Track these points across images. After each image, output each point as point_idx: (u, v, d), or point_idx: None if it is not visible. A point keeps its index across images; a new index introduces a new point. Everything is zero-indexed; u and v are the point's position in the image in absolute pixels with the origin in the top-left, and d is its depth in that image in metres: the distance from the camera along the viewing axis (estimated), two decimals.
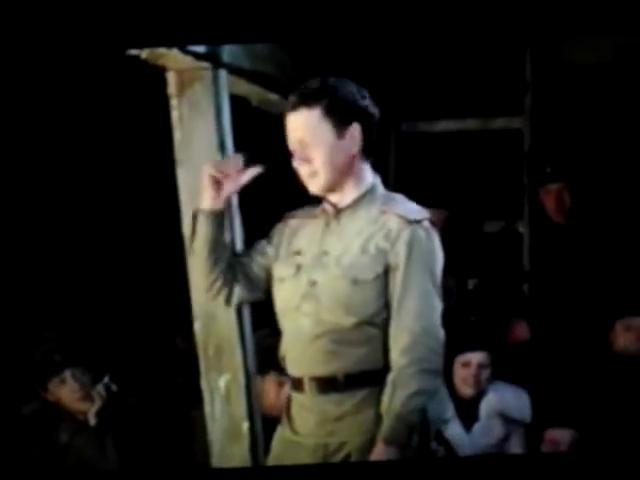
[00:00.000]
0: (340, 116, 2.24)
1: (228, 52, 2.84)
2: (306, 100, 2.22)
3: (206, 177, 2.32)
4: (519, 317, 3.90)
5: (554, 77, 4.45)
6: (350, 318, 2.23)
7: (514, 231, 4.32)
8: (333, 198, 2.31)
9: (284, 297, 2.34)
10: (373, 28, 3.46)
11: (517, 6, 2.50)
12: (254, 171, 2.33)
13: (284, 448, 2.36)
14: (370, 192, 2.32)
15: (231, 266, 2.37)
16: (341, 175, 2.27)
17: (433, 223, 2.29)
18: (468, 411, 3.53)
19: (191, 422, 3.05)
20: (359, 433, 2.25)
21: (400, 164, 4.50)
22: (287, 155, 2.31)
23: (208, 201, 2.32)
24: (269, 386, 3.12)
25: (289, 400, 2.38)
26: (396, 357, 2.21)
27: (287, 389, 2.76)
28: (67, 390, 3.20)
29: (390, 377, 2.20)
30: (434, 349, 2.22)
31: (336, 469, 2.25)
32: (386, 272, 2.24)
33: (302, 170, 2.26)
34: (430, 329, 2.22)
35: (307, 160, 2.24)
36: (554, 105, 4.45)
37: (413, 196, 2.35)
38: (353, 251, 2.26)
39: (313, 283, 2.27)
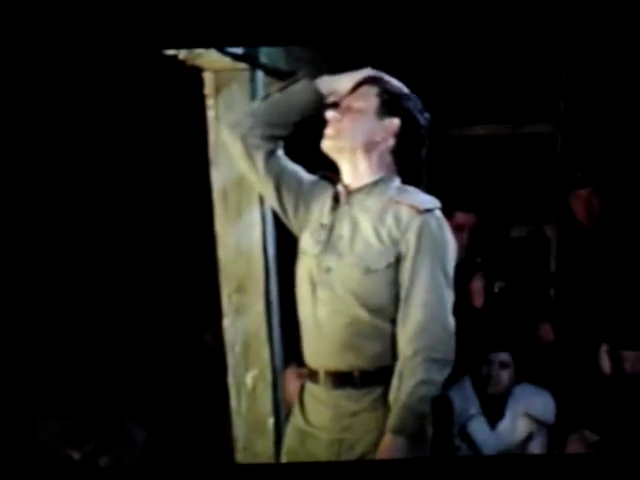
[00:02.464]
0: (392, 103, 2.23)
1: (265, 53, 2.72)
2: (374, 76, 2.26)
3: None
4: (544, 320, 3.74)
5: (587, 86, 4.28)
6: (362, 308, 2.12)
7: (542, 235, 4.17)
8: (347, 179, 2.24)
9: (304, 274, 2.24)
10: (411, 34, 3.32)
11: (553, 14, 2.34)
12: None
13: (299, 439, 2.26)
14: (383, 181, 2.23)
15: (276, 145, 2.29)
16: (357, 151, 2.21)
17: (445, 214, 2.21)
18: (494, 409, 3.41)
19: (217, 418, 2.92)
20: (376, 430, 2.13)
21: (433, 168, 4.34)
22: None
23: (335, 85, 2.27)
24: (289, 378, 3.00)
25: (302, 388, 2.29)
26: (403, 346, 2.09)
27: None
28: None
29: (397, 367, 2.09)
30: (441, 338, 2.09)
31: (357, 466, 2.13)
32: (397, 261, 2.13)
33: (329, 127, 2.21)
34: (437, 318, 2.09)
35: (340, 119, 2.20)
36: (587, 112, 4.28)
37: (444, 199, 2.23)
38: (364, 237, 2.16)
39: (328, 270, 2.17)
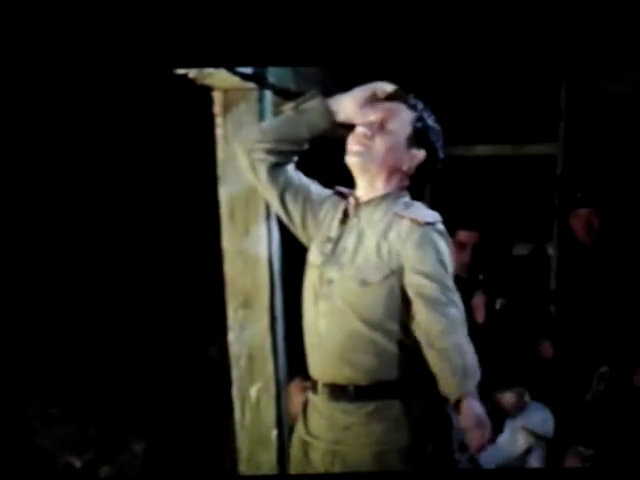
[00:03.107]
0: (422, 135, 2.20)
1: (274, 73, 2.73)
2: (401, 99, 2.22)
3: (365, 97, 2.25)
4: (545, 336, 3.73)
5: (588, 106, 4.29)
6: (359, 321, 2.11)
7: (543, 253, 4.17)
8: (360, 192, 2.24)
9: (308, 286, 2.24)
10: (415, 54, 3.33)
11: (554, 36, 2.35)
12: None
13: (300, 447, 2.27)
14: (392, 196, 2.22)
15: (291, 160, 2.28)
16: (381, 172, 2.19)
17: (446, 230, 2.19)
18: (493, 423, 3.36)
19: (220, 430, 2.92)
20: (367, 445, 2.13)
21: (436, 186, 4.36)
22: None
23: (343, 108, 2.24)
24: (293, 392, 2.99)
25: (306, 399, 2.29)
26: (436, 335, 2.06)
27: None
28: None
29: (426, 353, 2.07)
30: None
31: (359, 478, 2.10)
32: (394, 274, 2.11)
33: (358, 143, 2.18)
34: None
35: (371, 138, 2.17)
36: (587, 133, 4.29)
37: (447, 217, 2.23)
38: (366, 250, 2.16)
39: (330, 281, 2.17)
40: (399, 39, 2.28)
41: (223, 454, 2.83)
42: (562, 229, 3.99)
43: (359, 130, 2.18)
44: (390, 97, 2.23)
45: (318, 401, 2.20)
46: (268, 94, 2.69)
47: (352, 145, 2.19)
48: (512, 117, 4.35)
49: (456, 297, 2.09)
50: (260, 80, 2.66)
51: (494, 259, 3.88)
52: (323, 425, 2.19)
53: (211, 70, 2.44)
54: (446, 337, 2.03)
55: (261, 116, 2.66)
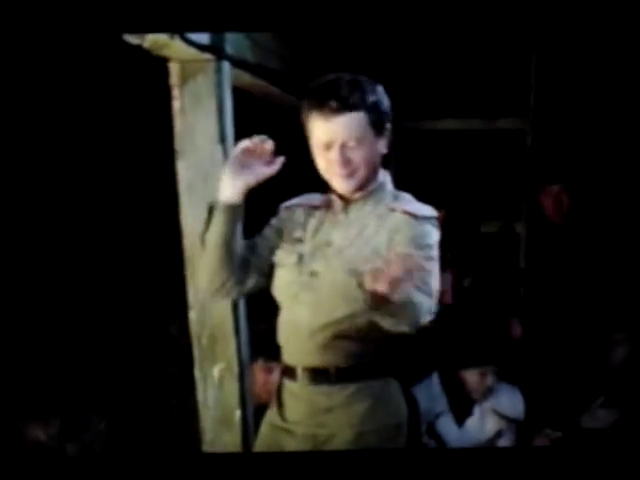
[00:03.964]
0: (380, 118, 2.24)
1: (232, 44, 2.82)
2: (350, 104, 2.19)
3: (233, 162, 2.23)
4: (513, 316, 3.91)
5: (558, 81, 4.45)
6: (346, 309, 2.22)
7: (511, 231, 4.33)
8: (345, 192, 2.30)
9: (283, 285, 2.32)
10: (378, 25, 3.45)
11: (523, 8, 2.48)
12: (280, 161, 2.25)
13: (273, 435, 2.37)
14: (380, 188, 2.31)
15: (244, 262, 2.31)
16: (366, 175, 2.26)
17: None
18: (461, 406, 3.55)
19: (183, 410, 3.05)
20: (349, 426, 2.26)
21: (401, 161, 4.49)
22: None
23: (228, 193, 2.24)
24: (257, 373, 3.13)
25: (280, 387, 2.38)
26: None
27: (275, 375, 2.77)
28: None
29: None
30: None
31: (326, 458, 2.24)
32: None
33: (339, 171, 2.22)
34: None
35: (349, 161, 2.21)
36: (556, 109, 4.45)
37: (412, 194, 2.34)
38: (357, 244, 2.27)
39: (314, 273, 2.27)
40: (361, 8, 2.39)
41: (186, 435, 2.97)
42: (531, 207, 4.14)
43: (333, 157, 2.22)
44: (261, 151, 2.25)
45: (296, 387, 2.30)
46: (226, 65, 2.78)
47: (334, 180, 2.25)
48: (481, 90, 4.48)
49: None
50: (217, 51, 2.75)
51: (462, 237, 4.04)
52: (302, 410, 2.29)
53: (167, 40, 2.53)
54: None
55: (219, 87, 2.76)
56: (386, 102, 2.26)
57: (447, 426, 3.53)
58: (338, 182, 2.25)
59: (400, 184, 2.38)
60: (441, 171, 4.44)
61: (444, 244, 3.72)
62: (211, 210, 2.27)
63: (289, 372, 2.33)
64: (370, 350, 2.26)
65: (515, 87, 4.43)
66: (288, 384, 2.34)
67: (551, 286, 3.89)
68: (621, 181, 4.27)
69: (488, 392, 3.55)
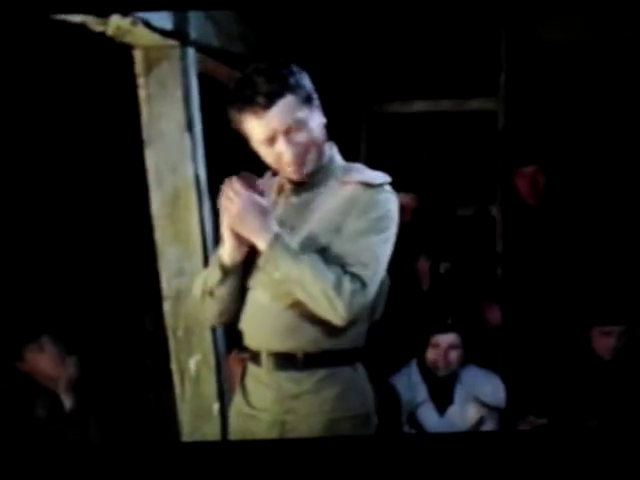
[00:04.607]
0: (306, 92, 2.33)
1: (196, 30, 2.93)
2: (276, 93, 2.27)
3: (229, 230, 2.34)
4: (492, 301, 4.03)
5: (529, 57, 4.56)
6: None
7: (487, 214, 4.43)
8: (292, 174, 2.38)
9: (245, 268, 2.41)
10: (343, 6, 3.58)
11: None
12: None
13: (241, 422, 2.45)
14: (328, 163, 2.41)
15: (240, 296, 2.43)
16: (314, 155, 2.35)
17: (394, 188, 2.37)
18: (442, 394, 3.64)
19: (160, 403, 3.16)
20: (319, 413, 2.34)
21: (371, 146, 4.60)
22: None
23: (233, 257, 2.36)
24: (233, 364, 3.23)
25: (244, 371, 2.46)
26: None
27: None
28: (44, 357, 3.32)
29: None
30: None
31: (298, 445, 2.33)
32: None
33: (292, 159, 2.31)
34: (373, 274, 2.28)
35: (298, 145, 2.30)
36: (529, 86, 4.57)
37: (383, 183, 2.37)
38: (312, 223, 2.35)
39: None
40: None
41: (165, 428, 3.07)
42: (506, 189, 4.21)
43: (281, 148, 2.30)
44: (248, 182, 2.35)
45: (262, 372, 2.38)
46: (191, 51, 2.90)
47: (286, 168, 2.34)
48: (450, 70, 4.58)
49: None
50: (181, 36, 2.86)
51: (436, 222, 4.16)
52: (269, 396, 2.36)
53: (130, 26, 2.60)
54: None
55: (184, 74, 2.87)
56: (303, 74, 2.35)
57: (428, 415, 3.62)
58: (293, 171, 2.35)
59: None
60: (413, 155, 4.55)
61: (418, 230, 3.90)
62: (225, 272, 2.37)
63: (254, 357, 2.41)
64: (336, 335, 2.33)
65: (484, 65, 4.53)
66: (252, 369, 2.42)
67: (529, 270, 3.98)
68: (598, 159, 4.39)
69: (452, 368, 3.63)
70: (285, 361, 2.35)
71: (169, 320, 2.83)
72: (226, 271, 2.38)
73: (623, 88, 4.34)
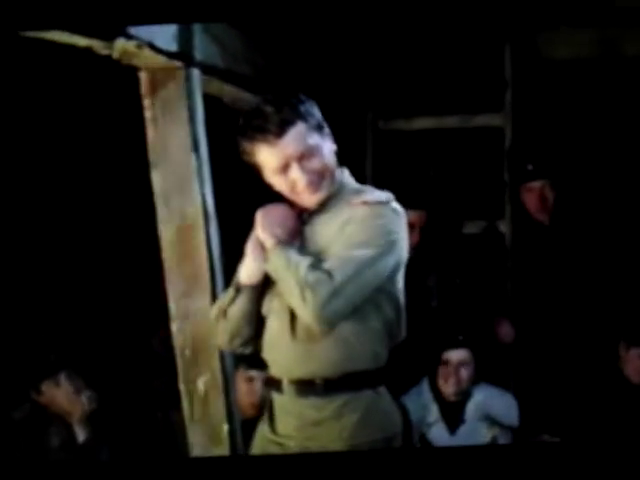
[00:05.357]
0: (316, 119, 2.39)
1: (201, 51, 2.99)
2: (288, 120, 2.33)
3: (253, 245, 2.40)
4: (503, 317, 4.04)
5: (534, 73, 4.60)
6: None
7: (495, 231, 4.45)
8: (305, 202, 2.42)
9: (263, 298, 2.45)
10: (349, 24, 3.64)
11: (497, 2, 2.64)
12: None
13: (265, 448, 2.48)
14: (340, 188, 2.45)
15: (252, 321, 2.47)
16: (327, 181, 2.40)
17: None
18: (453, 413, 3.68)
19: (169, 424, 3.20)
20: (339, 439, 2.36)
21: (377, 163, 4.64)
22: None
23: (250, 274, 2.41)
24: (239, 383, 3.26)
25: (271, 399, 2.49)
26: None
27: (257, 385, 3.00)
28: (61, 392, 3.40)
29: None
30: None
31: (310, 461, 2.36)
32: None
33: (306, 186, 2.36)
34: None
35: (312, 173, 2.35)
36: (535, 101, 4.60)
37: (386, 202, 2.41)
38: (324, 248, 2.38)
39: None
40: (332, 9, 2.55)
41: (174, 450, 3.11)
42: (514, 205, 4.25)
43: (295, 175, 2.35)
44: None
45: (285, 400, 2.42)
46: (196, 72, 2.96)
47: (301, 196, 2.39)
48: (455, 86, 4.62)
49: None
50: (187, 58, 2.93)
51: (445, 239, 4.19)
52: (292, 424, 2.40)
53: (135, 49, 2.67)
54: None
55: (190, 96, 2.93)
56: (312, 103, 2.41)
57: (439, 435, 3.66)
58: (307, 198, 2.39)
59: (378, 188, 2.49)
60: (419, 172, 4.57)
61: (426, 247, 3.93)
62: (238, 290, 2.43)
63: (277, 385, 2.44)
64: (356, 358, 2.37)
65: (490, 81, 4.56)
66: (276, 397, 2.45)
67: (540, 285, 4.00)
68: (605, 173, 4.42)
69: (462, 387, 3.67)
70: (305, 387, 2.39)
71: (177, 340, 2.86)
72: (239, 289, 2.42)
73: (629, 104, 4.38)
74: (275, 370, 2.45)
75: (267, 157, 2.35)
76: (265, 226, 2.39)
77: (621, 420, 3.65)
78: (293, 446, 2.41)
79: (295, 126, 2.32)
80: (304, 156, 2.34)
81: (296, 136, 2.33)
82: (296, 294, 2.27)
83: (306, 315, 2.29)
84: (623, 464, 2.36)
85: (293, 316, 2.36)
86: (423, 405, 3.69)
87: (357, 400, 2.38)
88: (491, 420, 3.72)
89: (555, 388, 3.87)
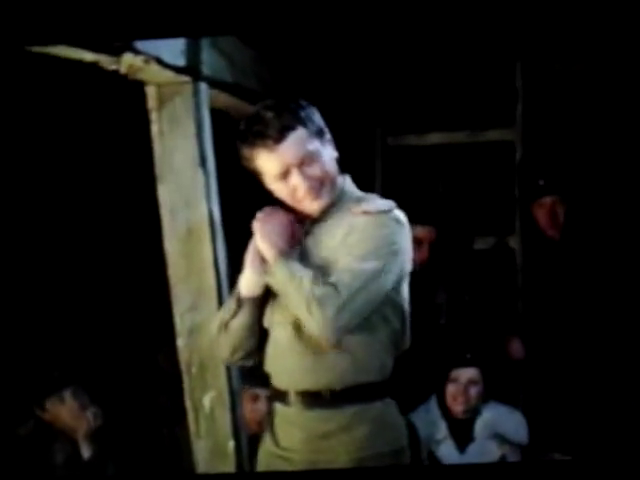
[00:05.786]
0: (317, 126, 2.38)
1: (208, 66, 3.01)
2: (288, 126, 2.32)
3: (252, 256, 2.39)
4: (513, 335, 4.03)
5: (545, 88, 4.60)
6: None
7: (506, 246, 4.44)
8: (305, 210, 2.41)
9: (266, 309, 2.44)
10: (358, 40, 3.65)
11: (507, 17, 2.64)
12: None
13: (270, 462, 2.46)
14: (341, 195, 2.44)
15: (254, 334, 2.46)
16: (329, 187, 2.39)
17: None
18: (462, 431, 3.66)
19: (175, 441, 3.20)
20: (347, 452, 2.35)
21: (386, 179, 4.64)
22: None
23: (250, 287, 2.40)
24: (245, 401, 3.26)
25: (272, 413, 2.47)
26: None
27: (262, 403, 2.97)
28: (66, 408, 3.40)
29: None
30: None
31: (321, 477, 2.35)
32: None
33: (307, 192, 2.34)
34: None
35: (312, 179, 2.34)
36: (546, 116, 4.60)
37: (388, 210, 2.39)
38: (326, 257, 2.37)
39: None
40: (342, 22, 2.56)
41: (179, 467, 3.11)
42: (525, 221, 4.24)
43: (295, 181, 2.33)
44: None
45: (291, 412, 2.39)
46: (203, 86, 2.98)
47: (302, 203, 2.37)
48: (466, 101, 4.63)
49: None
50: (194, 72, 2.95)
51: (454, 254, 4.19)
52: (298, 437, 2.38)
53: (142, 64, 2.69)
54: None
55: (197, 110, 2.95)
56: (312, 109, 2.40)
57: (448, 452, 3.63)
58: (308, 204, 2.37)
59: None
60: (429, 188, 4.57)
61: (435, 263, 3.93)
62: (239, 303, 2.41)
63: (282, 397, 2.41)
64: (362, 369, 2.35)
65: (501, 96, 4.57)
66: (281, 409, 2.42)
67: (551, 302, 3.97)
68: (617, 189, 4.41)
69: (471, 405, 3.66)
70: (312, 399, 2.37)
71: (183, 356, 2.87)
72: (241, 302, 2.41)
73: None
74: (280, 382, 2.43)
75: (267, 163, 2.34)
76: (264, 235, 2.36)
77: (633, 439, 3.62)
78: (298, 460, 2.39)
79: (295, 131, 2.32)
80: (304, 162, 2.33)
81: (296, 141, 2.32)
82: (302, 308, 2.26)
83: (313, 329, 2.28)
84: None
85: (299, 327, 2.34)
86: (431, 422, 3.68)
87: (366, 412, 2.36)
88: (500, 438, 3.69)
89: (566, 406, 3.85)
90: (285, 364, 2.40)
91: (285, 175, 2.34)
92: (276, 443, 2.44)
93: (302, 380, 2.37)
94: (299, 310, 2.28)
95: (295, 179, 2.33)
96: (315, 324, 2.26)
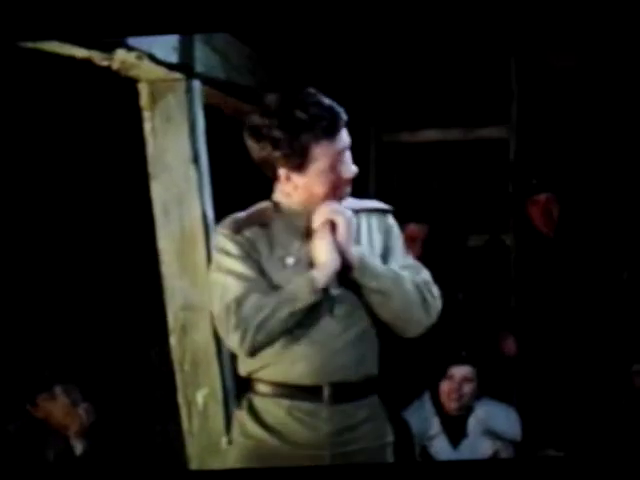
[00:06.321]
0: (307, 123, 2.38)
1: (201, 63, 3.01)
2: (342, 115, 2.38)
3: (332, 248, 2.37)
4: (507, 331, 4.06)
5: (540, 84, 4.62)
6: (367, 318, 2.39)
7: (500, 243, 4.46)
8: None
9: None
10: (353, 37, 3.66)
11: (501, 14, 2.66)
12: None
13: (272, 461, 2.40)
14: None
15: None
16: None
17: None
18: (455, 427, 3.68)
19: (167, 436, 3.22)
20: (375, 439, 2.41)
21: (380, 176, 4.65)
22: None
23: (329, 279, 2.36)
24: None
25: (272, 412, 2.41)
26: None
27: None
28: (58, 405, 3.42)
29: None
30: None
31: (319, 472, 2.36)
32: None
33: (353, 172, 2.40)
34: None
35: (305, 183, 2.36)
36: (540, 113, 4.62)
37: (394, 209, 2.49)
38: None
39: (339, 285, 2.39)
40: (337, 20, 2.57)
41: (172, 463, 3.12)
42: (519, 218, 4.26)
43: (348, 161, 2.38)
44: None
45: (319, 407, 2.36)
46: (196, 84, 2.99)
47: (346, 187, 2.40)
48: (460, 98, 4.64)
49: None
50: (187, 69, 2.96)
51: (448, 252, 4.20)
52: (324, 431, 2.36)
53: (135, 60, 2.69)
54: None
55: (190, 107, 2.96)
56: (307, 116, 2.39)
57: (441, 448, 3.65)
58: (348, 190, 2.41)
59: (381, 200, 2.53)
60: (423, 185, 4.59)
61: (428, 261, 3.94)
62: (316, 294, 2.38)
63: (308, 391, 2.38)
64: (375, 362, 2.43)
65: (495, 93, 4.58)
66: (299, 405, 2.38)
67: (544, 299, 4.02)
68: (611, 186, 4.43)
69: (464, 402, 3.68)
70: (346, 391, 2.39)
71: (176, 354, 2.88)
72: (318, 294, 2.37)
73: (637, 114, 4.38)
74: (312, 377, 2.39)
75: (327, 152, 2.35)
76: (345, 232, 2.36)
77: (625, 434, 3.65)
78: (328, 455, 2.38)
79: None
80: (285, 172, 2.37)
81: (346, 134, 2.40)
82: (415, 299, 2.38)
83: (425, 318, 2.43)
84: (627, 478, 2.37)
85: (347, 321, 2.38)
86: (425, 418, 3.70)
87: (372, 405, 2.43)
88: (493, 434, 3.72)
89: (559, 402, 3.87)
90: (331, 358, 2.38)
91: (339, 160, 2.36)
92: (285, 441, 2.39)
93: (346, 373, 2.38)
94: (406, 302, 2.37)
95: (349, 158, 2.39)
96: (429, 311, 2.43)
